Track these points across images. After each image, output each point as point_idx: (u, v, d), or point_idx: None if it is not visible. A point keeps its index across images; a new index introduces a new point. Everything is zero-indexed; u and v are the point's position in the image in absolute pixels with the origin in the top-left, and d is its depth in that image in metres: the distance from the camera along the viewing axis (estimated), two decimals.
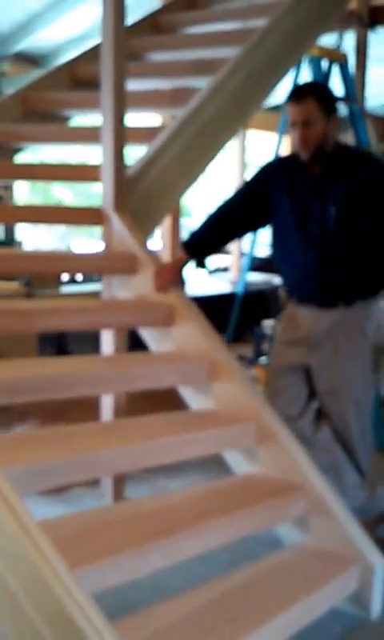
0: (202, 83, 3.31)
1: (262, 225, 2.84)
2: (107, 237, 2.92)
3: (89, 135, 3.29)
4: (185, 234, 3.24)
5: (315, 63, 4.20)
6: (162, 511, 2.13)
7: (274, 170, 2.75)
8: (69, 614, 1.53)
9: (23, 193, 11.56)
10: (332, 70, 4.32)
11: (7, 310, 2.51)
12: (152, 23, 4.19)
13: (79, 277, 5.97)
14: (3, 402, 2.28)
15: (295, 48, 3.59)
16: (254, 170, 2.89)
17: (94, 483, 3.09)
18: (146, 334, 2.83)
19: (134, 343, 3.02)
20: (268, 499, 2.26)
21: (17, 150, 3.71)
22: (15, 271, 3.23)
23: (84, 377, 2.39)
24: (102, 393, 2.87)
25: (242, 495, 2.28)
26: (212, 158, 3.25)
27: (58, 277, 5.23)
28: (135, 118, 3.88)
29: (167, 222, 4.79)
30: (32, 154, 8.00)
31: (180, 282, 2.80)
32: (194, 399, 2.67)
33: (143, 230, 2.95)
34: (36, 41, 6.38)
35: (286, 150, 4.89)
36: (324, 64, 4.27)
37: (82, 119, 4.13)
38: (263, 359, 4.51)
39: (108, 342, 2.91)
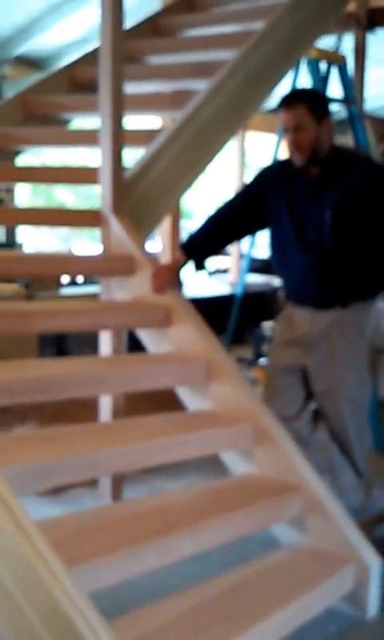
0: (201, 86, 3.33)
1: (261, 228, 2.86)
2: (105, 239, 2.93)
3: (88, 138, 3.31)
4: (185, 236, 3.25)
5: (314, 65, 4.21)
6: (158, 511, 2.14)
7: (273, 174, 2.76)
8: (65, 613, 1.55)
9: (25, 195, 11.59)
10: (331, 71, 4.33)
11: (6, 312, 2.53)
12: (151, 26, 4.21)
13: (80, 279, 5.98)
14: (3, 402, 2.30)
15: (293, 50, 3.60)
16: (254, 172, 2.90)
17: (93, 484, 3.10)
18: (144, 335, 2.84)
19: (133, 345, 3.04)
20: (264, 499, 2.27)
21: (17, 153, 3.73)
22: (14, 273, 3.25)
23: (82, 378, 2.41)
24: (101, 393, 2.88)
25: (239, 495, 2.29)
26: (210, 159, 3.27)
27: (58, 279, 5.25)
28: (135, 121, 3.90)
29: (167, 223, 4.80)
30: (34, 157, 8.02)
31: (178, 284, 2.81)
32: (192, 400, 2.68)
33: (141, 231, 2.96)
34: (37, 44, 6.42)
35: (284, 151, 4.90)
36: (323, 66, 4.27)
37: (81, 122, 4.14)
38: (263, 361, 4.52)
39: (106, 343, 2.93)
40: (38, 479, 2.01)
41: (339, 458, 2.64)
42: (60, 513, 2.73)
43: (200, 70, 3.55)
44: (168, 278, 2.77)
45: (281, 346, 2.77)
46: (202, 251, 2.84)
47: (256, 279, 6.95)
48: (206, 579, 2.13)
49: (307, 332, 2.65)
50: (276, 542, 2.47)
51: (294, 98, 2.57)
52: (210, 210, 2.87)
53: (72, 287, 5.79)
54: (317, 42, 3.93)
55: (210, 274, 8.11)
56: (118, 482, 2.95)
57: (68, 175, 3.51)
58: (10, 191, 6.47)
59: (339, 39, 4.61)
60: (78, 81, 3.83)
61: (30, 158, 7.16)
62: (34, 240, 10.72)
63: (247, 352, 5.05)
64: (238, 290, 5.43)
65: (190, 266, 2.85)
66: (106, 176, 2.90)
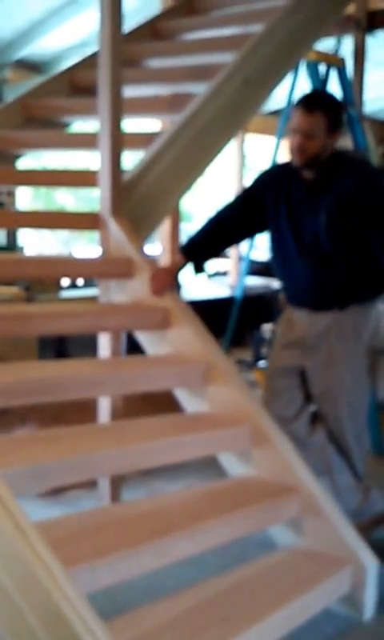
0: (200, 89, 3.34)
1: (260, 231, 2.87)
2: (104, 241, 2.95)
3: (88, 141, 3.32)
4: (184, 239, 3.26)
5: (313, 68, 4.21)
6: (156, 512, 2.15)
7: (272, 177, 2.77)
8: (63, 614, 1.55)
9: (26, 199, 11.60)
10: (330, 74, 4.33)
11: (6, 314, 2.54)
12: (151, 29, 4.22)
13: (80, 281, 5.99)
14: (3, 404, 2.31)
15: (292, 52, 3.62)
16: (253, 174, 2.91)
17: (92, 485, 3.10)
18: (143, 338, 2.85)
19: (132, 347, 3.05)
20: (262, 501, 2.28)
21: (18, 157, 3.74)
22: (13, 276, 3.26)
23: (82, 380, 2.42)
24: (99, 395, 2.89)
25: (237, 497, 2.30)
26: (209, 162, 3.28)
27: (58, 281, 5.25)
28: (135, 124, 3.92)
29: (167, 226, 4.81)
30: (34, 160, 8.04)
31: (176, 286, 2.82)
32: (190, 402, 2.69)
33: (140, 234, 2.97)
34: (37, 48, 6.43)
35: (284, 154, 4.91)
36: (322, 68, 4.28)
37: (81, 125, 4.16)
38: (262, 363, 4.52)
39: (105, 345, 2.94)
40: (37, 480, 2.02)
41: (337, 459, 2.64)
42: (59, 514, 2.74)
43: (199, 73, 3.56)
44: (166, 281, 2.78)
45: (280, 348, 2.78)
46: (201, 254, 2.85)
47: (255, 282, 6.96)
48: (204, 580, 2.14)
49: (306, 334, 2.66)
50: (273, 544, 2.48)
51: (316, 104, 2.50)
52: (210, 212, 2.88)
53: (72, 290, 5.80)
54: (316, 44, 3.94)
55: (210, 276, 8.12)
56: (117, 484, 2.96)
57: (68, 178, 3.53)
58: (11, 194, 6.47)
59: (338, 41, 4.60)
60: (78, 84, 3.84)
61: (30, 161, 7.17)
62: (34, 243, 10.73)
63: (247, 354, 5.05)
64: (238, 293, 5.43)
65: (189, 268, 2.86)
66: (105, 179, 2.91)
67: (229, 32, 3.94)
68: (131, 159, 3.34)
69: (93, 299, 3.56)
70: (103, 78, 2.86)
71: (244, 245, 5.12)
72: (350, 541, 2.30)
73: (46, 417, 3.42)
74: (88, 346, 3.29)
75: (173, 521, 2.08)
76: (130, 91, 3.05)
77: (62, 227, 3.72)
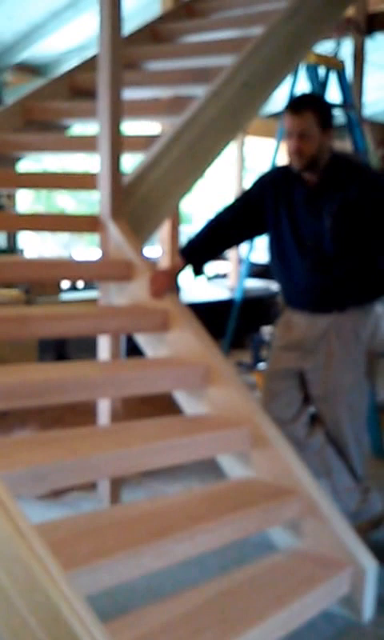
0: (200, 91, 3.35)
1: (259, 234, 2.88)
2: (104, 244, 2.96)
3: (87, 144, 3.33)
4: (184, 241, 3.27)
5: (312, 70, 4.22)
6: (155, 514, 2.15)
7: (272, 180, 2.77)
8: (61, 615, 1.56)
9: (26, 201, 11.62)
10: (329, 77, 4.34)
11: (6, 317, 2.54)
12: (150, 32, 4.23)
13: (80, 284, 5.99)
14: (3, 406, 2.32)
15: (292, 55, 3.63)
16: (253, 177, 2.92)
17: (92, 487, 3.11)
18: (142, 340, 2.86)
19: (132, 349, 3.05)
20: (261, 503, 2.28)
21: (18, 159, 3.75)
22: (12, 278, 3.26)
23: (81, 382, 2.42)
24: (99, 398, 2.90)
25: (236, 499, 2.30)
26: (209, 165, 3.29)
27: (58, 284, 5.26)
28: (134, 127, 3.92)
29: (166, 228, 4.81)
30: (35, 163, 8.06)
31: (175, 288, 2.83)
32: (189, 404, 2.69)
33: (140, 236, 2.98)
34: (38, 51, 6.45)
35: (283, 156, 4.92)
36: (321, 71, 4.29)
37: (81, 128, 4.17)
38: (262, 365, 4.53)
39: (105, 347, 2.94)
40: (37, 482, 2.02)
41: (336, 461, 2.65)
42: (59, 516, 2.76)
43: (199, 76, 3.57)
44: (166, 283, 2.78)
45: (279, 350, 2.78)
46: (201, 256, 2.86)
47: (255, 284, 6.97)
48: (203, 582, 2.14)
49: (305, 336, 2.67)
50: (272, 546, 2.48)
51: (303, 104, 2.54)
52: (210, 214, 2.89)
53: (72, 292, 5.81)
54: (315, 47, 3.95)
55: (209, 278, 8.12)
56: (117, 486, 2.96)
57: (68, 181, 3.53)
58: (12, 197, 6.49)
59: (338, 44, 4.61)
60: (77, 87, 3.85)
61: (30, 164, 7.19)
62: (35, 245, 10.75)
63: (246, 357, 5.06)
64: (237, 295, 5.44)
65: (189, 271, 2.86)
66: (105, 181, 2.92)
67: (228, 35, 3.95)
68: (131, 162, 3.35)
69: (93, 302, 3.57)
70: (103, 80, 2.87)
71: (244, 247, 5.13)
72: (349, 542, 2.30)
73: (46, 419, 3.43)
74: (88, 348, 3.30)
75: (172, 522, 2.08)
76: (129, 94, 3.06)
77: (62, 230, 3.73)
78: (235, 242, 3.06)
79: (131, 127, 3.47)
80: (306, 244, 2.61)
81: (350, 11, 4.82)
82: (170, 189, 3.14)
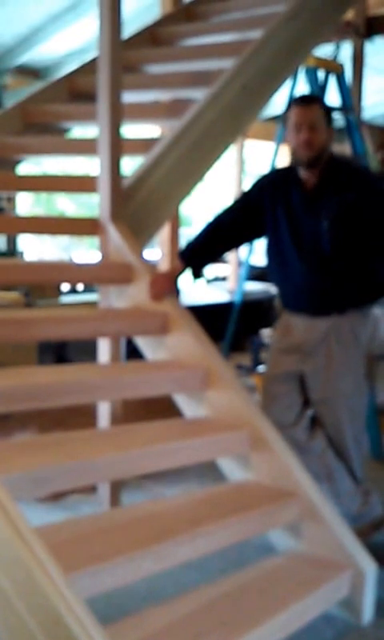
0: (199, 94, 3.35)
1: (258, 236, 2.88)
2: (104, 247, 2.96)
3: (87, 147, 3.33)
4: (184, 244, 3.28)
5: (312, 73, 4.23)
6: (156, 517, 2.15)
7: (270, 182, 2.78)
8: (61, 618, 1.56)
9: (27, 204, 11.63)
10: (328, 80, 4.35)
11: (6, 320, 2.54)
12: (150, 35, 4.24)
13: (80, 287, 5.99)
14: (3, 409, 2.32)
15: (292, 58, 3.64)
16: (252, 180, 2.92)
17: (92, 490, 3.11)
18: (142, 343, 2.86)
19: (131, 352, 3.05)
20: (261, 506, 2.29)
21: (17, 162, 3.75)
22: (12, 281, 3.27)
23: (81, 385, 2.42)
24: (99, 400, 2.90)
25: (236, 501, 2.30)
26: (208, 168, 3.29)
27: (58, 287, 5.26)
28: (134, 130, 3.93)
29: (166, 231, 4.81)
30: (34, 166, 8.06)
31: (175, 291, 2.83)
32: (189, 407, 2.70)
33: (140, 239, 2.98)
34: (37, 54, 6.46)
35: (283, 159, 4.93)
36: (320, 74, 4.30)
37: (81, 131, 4.17)
38: (261, 368, 4.53)
39: (105, 350, 2.94)
40: (37, 485, 2.03)
41: (337, 464, 2.65)
42: (59, 519, 2.76)
43: (198, 79, 3.58)
44: (165, 286, 2.79)
45: (277, 354, 2.78)
46: (200, 259, 2.86)
47: (255, 287, 6.96)
48: (203, 585, 2.14)
49: (304, 339, 2.67)
50: (272, 548, 2.48)
51: (311, 99, 2.68)
52: (209, 217, 2.89)
53: (72, 295, 5.80)
54: (315, 50, 3.96)
55: (209, 281, 8.12)
56: (117, 488, 2.96)
57: (67, 184, 3.54)
58: (11, 200, 6.49)
59: (337, 47, 4.62)
60: (77, 90, 3.86)
61: (30, 167, 7.19)
62: (34, 248, 10.75)
63: (246, 359, 5.06)
64: (237, 298, 5.44)
65: (188, 273, 2.87)
66: (105, 184, 2.92)
67: (228, 38, 3.96)
68: (131, 165, 3.36)
69: (92, 304, 3.58)
70: (103, 83, 2.88)
71: (243, 250, 5.14)
72: (349, 545, 2.30)
73: (46, 422, 3.42)
74: (88, 351, 3.30)
75: (172, 525, 2.08)
76: (129, 97, 3.07)
77: (61, 233, 3.74)
78: (234, 244, 3.07)
79: (131, 130, 3.48)
80: (305, 246, 2.61)
81: (350, 14, 4.83)
82: (170, 192, 3.14)
